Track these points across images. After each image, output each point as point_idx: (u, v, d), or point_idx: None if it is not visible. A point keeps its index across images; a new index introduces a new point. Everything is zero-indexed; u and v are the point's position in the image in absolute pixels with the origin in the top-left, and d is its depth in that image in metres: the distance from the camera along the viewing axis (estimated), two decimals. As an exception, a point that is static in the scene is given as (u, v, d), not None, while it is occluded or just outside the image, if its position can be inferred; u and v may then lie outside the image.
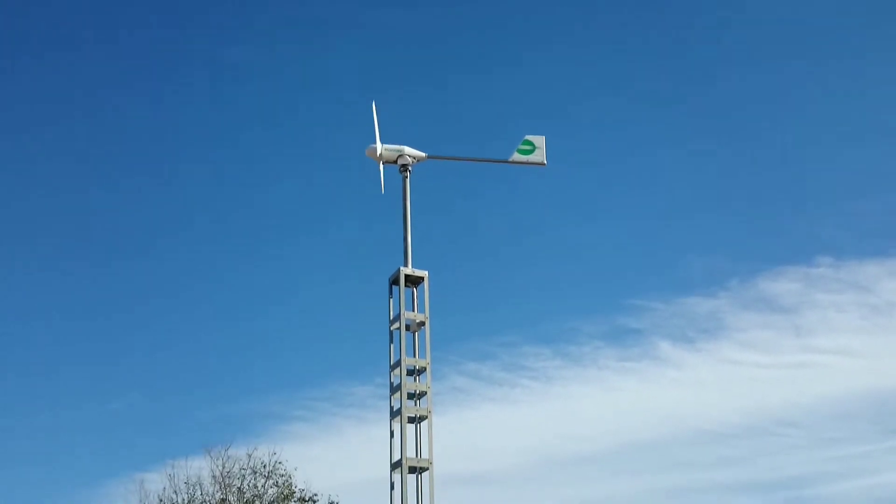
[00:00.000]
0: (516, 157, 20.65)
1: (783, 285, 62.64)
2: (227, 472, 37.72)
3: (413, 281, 19.48)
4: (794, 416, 58.79)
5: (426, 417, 18.68)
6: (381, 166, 20.23)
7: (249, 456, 38.10)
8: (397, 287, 19.37)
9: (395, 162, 20.33)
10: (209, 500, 37.28)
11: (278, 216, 70.03)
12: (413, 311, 19.34)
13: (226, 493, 37.37)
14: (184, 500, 37.35)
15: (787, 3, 70.03)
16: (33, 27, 70.78)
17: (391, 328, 19.32)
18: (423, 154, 20.57)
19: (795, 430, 58.63)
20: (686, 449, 58.22)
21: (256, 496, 37.57)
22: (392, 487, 18.27)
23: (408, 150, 20.43)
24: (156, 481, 38.61)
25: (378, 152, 20.21)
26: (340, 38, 72.67)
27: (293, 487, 38.07)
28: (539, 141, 20.75)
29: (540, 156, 20.64)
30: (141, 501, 37.37)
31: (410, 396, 18.89)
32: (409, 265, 19.57)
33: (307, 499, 38.11)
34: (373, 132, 20.37)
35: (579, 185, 68.73)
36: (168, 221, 70.15)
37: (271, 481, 37.92)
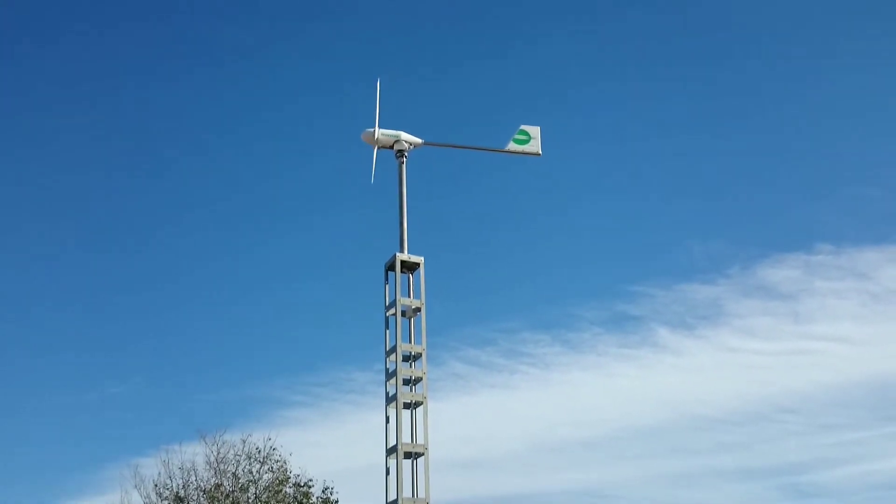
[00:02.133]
0: (512, 146, 20.71)
1: (783, 272, 62.76)
2: (222, 458, 37.72)
3: (409, 267, 19.48)
4: (792, 403, 59.06)
5: (422, 403, 18.71)
6: (376, 152, 20.22)
7: (244, 441, 38.11)
8: (393, 273, 19.38)
9: (392, 147, 20.32)
10: (204, 486, 37.29)
11: (275, 202, 70.04)
12: (409, 297, 19.36)
13: (220, 479, 37.37)
14: (178, 485, 37.37)
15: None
16: (33, 17, 70.60)
17: (387, 314, 19.33)
18: (420, 140, 20.54)
19: (793, 416, 58.91)
20: (684, 435, 58.49)
21: (251, 482, 37.58)
22: (388, 473, 18.32)
23: (404, 135, 20.39)
24: (152, 466, 38.67)
25: (375, 137, 20.19)
26: (337, 24, 72.53)
27: (288, 473, 38.10)
28: (534, 131, 20.81)
29: (535, 146, 20.73)
30: (136, 486, 37.37)
31: (406, 382, 18.92)
32: (405, 251, 19.57)
33: (302, 484, 38.13)
34: (370, 117, 20.36)
35: (578, 170, 68.78)
36: (169, 209, 70.18)
37: (266, 467, 37.94)
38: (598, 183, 70.11)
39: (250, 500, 37.22)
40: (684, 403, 58.76)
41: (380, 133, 20.19)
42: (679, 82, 71.25)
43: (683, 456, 57.25)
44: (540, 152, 20.81)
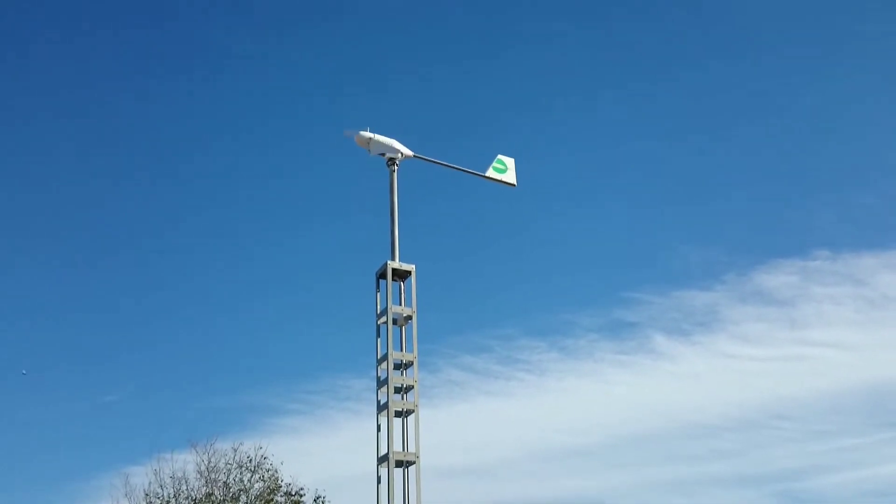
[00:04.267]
0: (491, 172, 21.19)
1: (780, 278, 62.90)
2: (213, 467, 37.65)
3: (400, 275, 19.49)
4: (787, 409, 59.21)
5: (413, 411, 18.71)
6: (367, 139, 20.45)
7: (235, 450, 38.06)
8: (385, 281, 19.39)
9: (383, 154, 20.42)
10: (195, 495, 37.18)
11: (268, 210, 70.01)
12: (400, 305, 19.36)
13: (211, 488, 37.28)
14: (169, 494, 37.25)
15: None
16: (32, 20, 70.58)
17: (378, 322, 19.34)
18: (410, 153, 20.69)
19: (788, 422, 59.06)
20: (679, 442, 58.59)
21: (242, 490, 37.50)
22: (379, 481, 18.30)
23: (397, 145, 20.51)
24: (143, 475, 38.52)
25: (369, 142, 20.34)
26: (332, 30, 72.60)
27: (279, 482, 38.02)
28: (510, 162, 21.41)
29: (511, 176, 21.30)
30: (127, 496, 37.26)
31: (397, 391, 18.91)
32: (397, 259, 19.59)
33: (293, 493, 38.05)
34: (362, 123, 20.57)
35: (573, 175, 68.97)
36: (161, 217, 70.08)
37: (257, 476, 37.85)
38: (594, 189, 70.35)
39: (241, 510, 37.11)
40: (680, 410, 58.89)
41: (374, 139, 20.32)
42: (673, 87, 71.59)
43: (678, 463, 57.39)
44: (515, 183, 21.31)
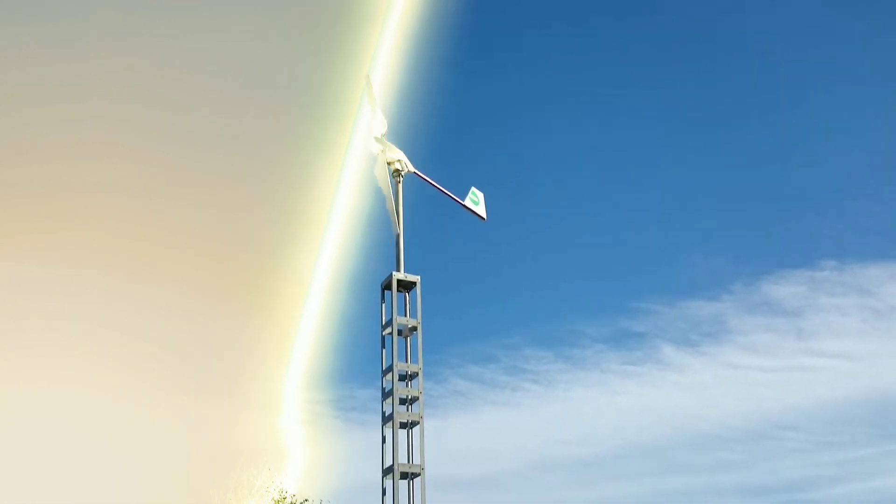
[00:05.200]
0: (468, 202, 21.48)
1: (787, 288, 62.72)
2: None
3: (406, 286, 19.48)
4: (794, 420, 59.01)
5: (418, 423, 18.66)
6: (380, 155, 20.57)
7: (239, 461, 37.95)
8: (390, 292, 19.39)
9: (391, 164, 20.51)
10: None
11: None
12: (405, 316, 19.34)
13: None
14: None
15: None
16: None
17: (383, 333, 19.33)
18: (412, 168, 20.80)
19: (795, 433, 58.82)
20: (686, 452, 58.35)
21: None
22: (384, 493, 18.25)
23: (404, 157, 20.62)
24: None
25: (381, 149, 20.50)
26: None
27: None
28: (480, 196, 21.63)
29: (482, 210, 21.55)
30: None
31: (403, 402, 18.87)
32: (402, 270, 19.58)
33: (297, 504, 37.95)
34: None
35: (580, 184, 68.80)
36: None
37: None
38: (600, 197, 70.14)
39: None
40: (686, 420, 58.78)
41: (388, 146, 20.47)
42: (678, 94, 71.24)
43: (685, 473, 57.19)
44: (485, 217, 21.54)
